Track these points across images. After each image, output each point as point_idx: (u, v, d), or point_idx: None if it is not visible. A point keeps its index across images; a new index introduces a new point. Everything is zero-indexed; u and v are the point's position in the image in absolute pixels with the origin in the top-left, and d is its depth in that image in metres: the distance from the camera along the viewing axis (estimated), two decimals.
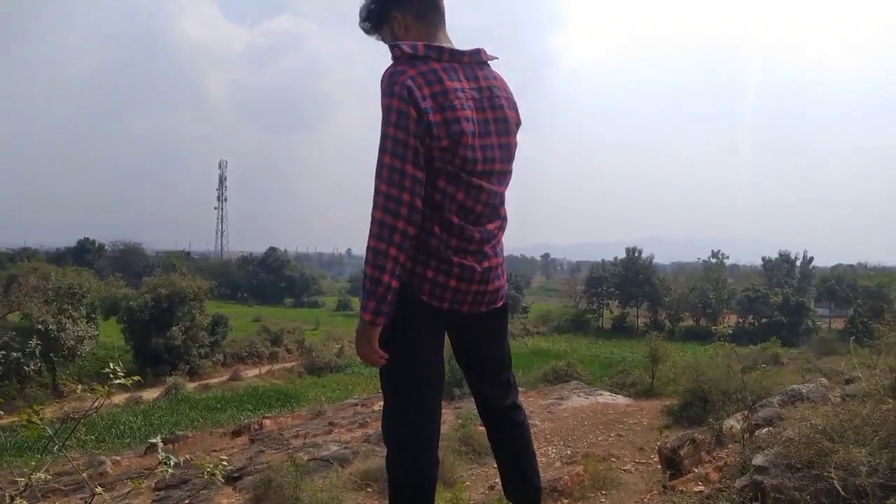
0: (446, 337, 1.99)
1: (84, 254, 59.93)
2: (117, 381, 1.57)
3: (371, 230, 1.68)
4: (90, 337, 27.43)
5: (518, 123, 1.95)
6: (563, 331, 49.49)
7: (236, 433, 13.72)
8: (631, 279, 52.45)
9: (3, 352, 24.08)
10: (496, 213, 1.91)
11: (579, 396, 10.32)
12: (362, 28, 1.94)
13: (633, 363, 21.08)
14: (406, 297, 1.78)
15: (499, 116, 1.86)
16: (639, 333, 44.19)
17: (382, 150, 1.68)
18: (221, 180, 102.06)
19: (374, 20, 1.90)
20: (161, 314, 29.74)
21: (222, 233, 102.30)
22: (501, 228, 1.94)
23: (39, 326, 24.74)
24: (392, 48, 1.79)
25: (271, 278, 68.30)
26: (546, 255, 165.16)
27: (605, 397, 10.51)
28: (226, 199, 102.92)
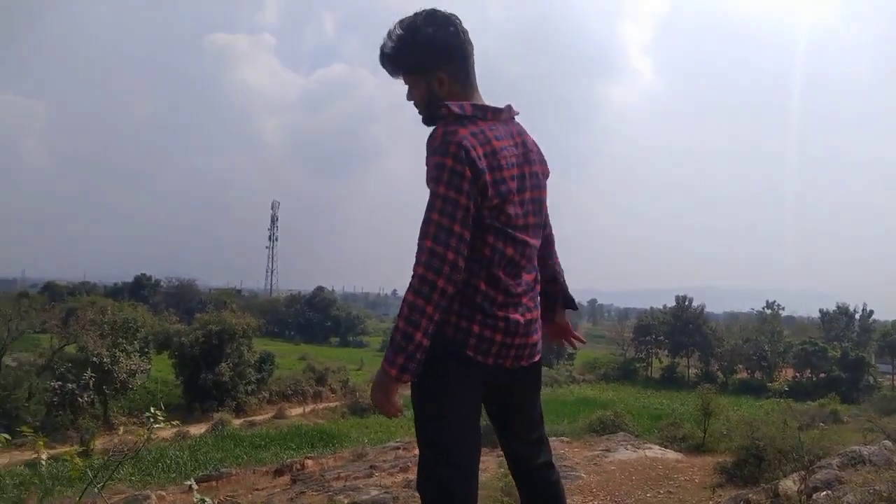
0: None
1: (140, 289, 61.68)
2: (157, 426, 1.61)
3: (411, 284, 1.67)
4: (142, 371, 28.10)
5: (547, 175, 1.97)
6: (610, 379, 48.41)
7: (279, 472, 13.71)
8: (681, 328, 51.15)
9: (60, 382, 24.84)
10: (532, 264, 1.92)
11: (627, 449, 9.98)
12: (385, 67, 1.89)
13: (683, 416, 20.43)
14: (451, 353, 1.78)
15: (533, 171, 1.89)
16: (689, 385, 42.85)
17: (431, 208, 1.69)
18: (273, 220, 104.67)
19: (409, 68, 1.88)
20: (211, 350, 30.29)
21: (272, 271, 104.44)
22: (537, 280, 1.95)
23: (94, 359, 25.46)
24: (440, 108, 1.81)
25: (318, 317, 69.05)
26: (593, 301, 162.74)
27: (655, 451, 10.15)
28: (277, 239, 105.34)
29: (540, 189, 1.91)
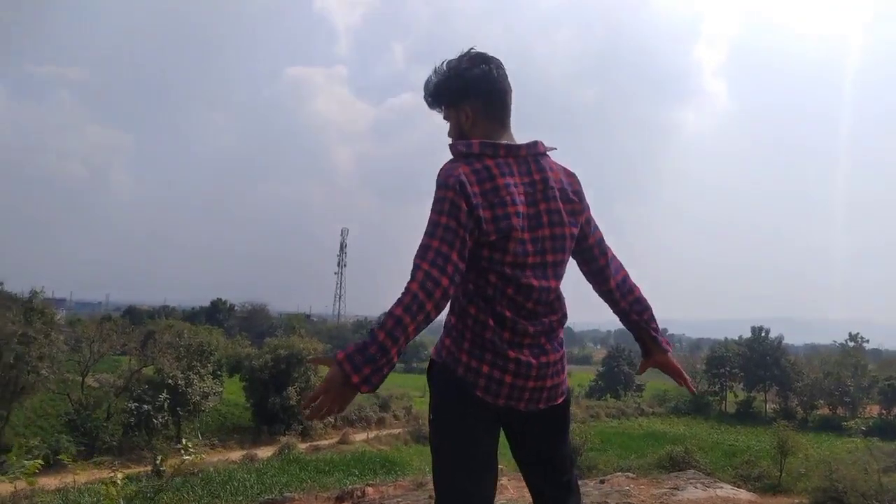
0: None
1: (216, 313, 63.28)
2: (187, 457, 1.66)
3: (402, 299, 1.65)
4: (214, 393, 28.91)
5: (577, 212, 1.90)
6: (681, 413, 46.61)
7: (340, 499, 13.68)
8: (757, 360, 48.86)
9: (136, 404, 25.85)
10: (552, 308, 1.87)
11: (696, 488, 9.55)
12: (426, 101, 1.96)
13: (759, 453, 19.49)
14: (461, 393, 1.78)
15: (552, 208, 1.84)
16: (766, 421, 40.85)
17: (431, 235, 1.70)
18: (342, 247, 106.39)
19: (444, 102, 1.93)
20: (279, 374, 30.93)
21: (340, 297, 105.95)
22: (560, 323, 1.89)
23: (169, 381, 26.39)
24: (450, 147, 1.87)
25: None
26: (664, 330, 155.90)
27: (726, 490, 9.66)
28: (345, 265, 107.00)
29: (563, 226, 1.85)
